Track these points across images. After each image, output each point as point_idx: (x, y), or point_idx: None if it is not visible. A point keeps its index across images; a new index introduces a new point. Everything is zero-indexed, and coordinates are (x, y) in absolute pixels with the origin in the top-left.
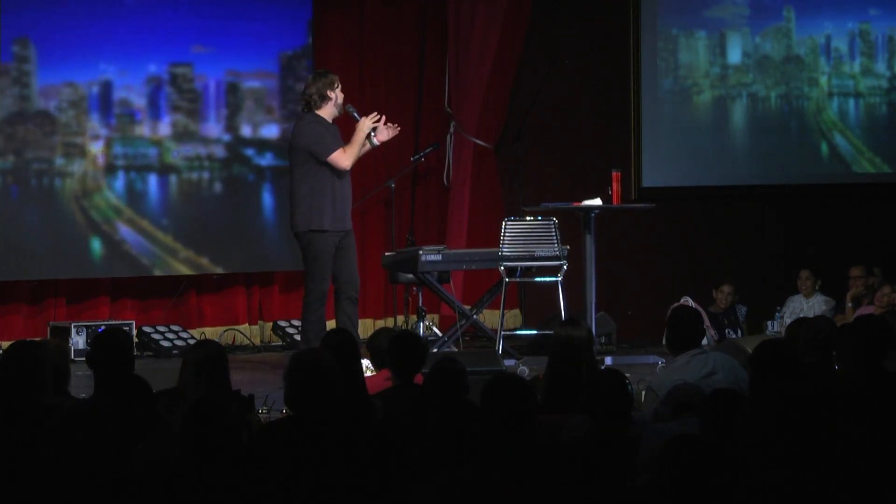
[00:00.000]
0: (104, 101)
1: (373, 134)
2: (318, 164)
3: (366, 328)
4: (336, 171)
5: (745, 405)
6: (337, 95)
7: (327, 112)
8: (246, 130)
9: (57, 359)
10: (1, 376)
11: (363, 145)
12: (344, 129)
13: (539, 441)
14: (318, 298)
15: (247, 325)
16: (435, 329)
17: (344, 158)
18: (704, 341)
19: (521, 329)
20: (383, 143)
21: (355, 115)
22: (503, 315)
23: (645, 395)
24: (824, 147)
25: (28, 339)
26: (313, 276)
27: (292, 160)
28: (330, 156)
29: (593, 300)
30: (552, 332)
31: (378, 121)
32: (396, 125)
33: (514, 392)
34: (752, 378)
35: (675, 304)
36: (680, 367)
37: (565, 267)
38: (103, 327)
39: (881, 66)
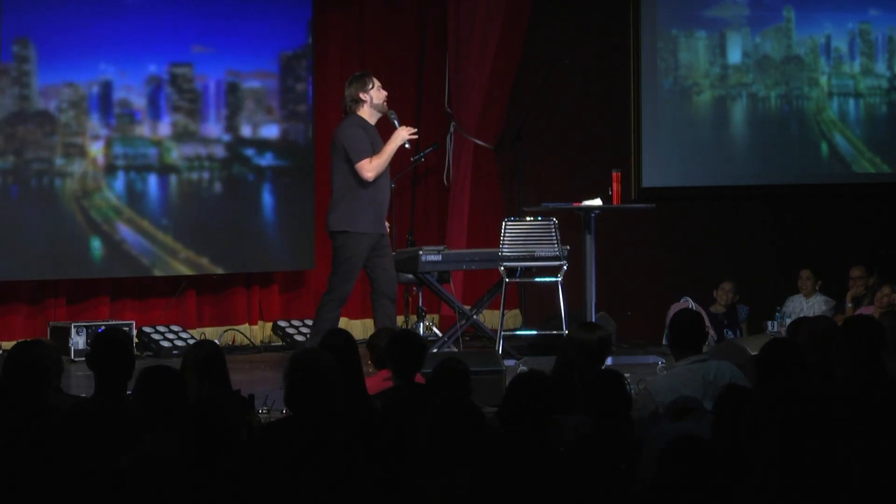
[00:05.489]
0: (104, 101)
1: (407, 145)
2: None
3: (366, 328)
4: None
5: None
6: (372, 96)
7: (367, 114)
8: (246, 130)
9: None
10: (5, 377)
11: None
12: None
13: (539, 442)
14: (338, 298)
15: (247, 325)
16: (435, 329)
17: (368, 169)
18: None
19: (521, 329)
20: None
21: (395, 122)
22: (503, 315)
23: (641, 396)
24: (824, 147)
25: (31, 339)
26: (341, 277)
27: (333, 159)
28: (357, 163)
29: (593, 300)
30: (563, 333)
31: (414, 134)
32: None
33: (539, 390)
34: (757, 378)
35: (675, 304)
36: (679, 374)
37: (565, 267)
38: (103, 327)
39: (881, 66)
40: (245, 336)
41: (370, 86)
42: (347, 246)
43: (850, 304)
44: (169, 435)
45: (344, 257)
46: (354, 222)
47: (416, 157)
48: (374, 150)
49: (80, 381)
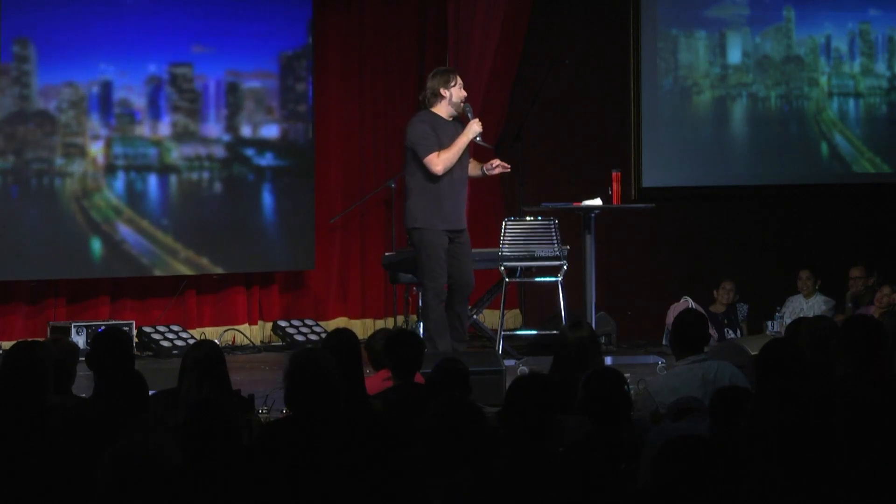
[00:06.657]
0: (104, 101)
1: (478, 139)
2: None
3: (366, 328)
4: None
5: (748, 405)
6: (452, 94)
7: (443, 110)
8: (246, 130)
9: (65, 357)
10: (2, 377)
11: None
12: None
13: (539, 443)
14: (436, 296)
15: (247, 325)
16: None
17: (436, 163)
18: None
19: (521, 329)
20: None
21: (469, 114)
22: (503, 315)
23: (641, 396)
24: (824, 147)
25: (31, 340)
26: (429, 274)
27: (404, 157)
28: (425, 157)
29: (593, 300)
30: (557, 332)
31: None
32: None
33: (539, 392)
34: (757, 378)
35: (675, 304)
36: (679, 374)
37: (565, 267)
38: (103, 327)
39: (881, 66)
40: (245, 336)
41: (452, 83)
42: (423, 241)
43: (850, 304)
44: (141, 433)
45: (424, 253)
46: (426, 219)
47: None
48: (442, 145)
49: (80, 381)
